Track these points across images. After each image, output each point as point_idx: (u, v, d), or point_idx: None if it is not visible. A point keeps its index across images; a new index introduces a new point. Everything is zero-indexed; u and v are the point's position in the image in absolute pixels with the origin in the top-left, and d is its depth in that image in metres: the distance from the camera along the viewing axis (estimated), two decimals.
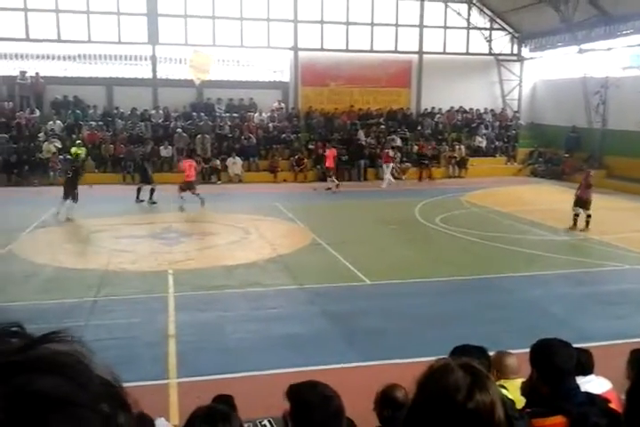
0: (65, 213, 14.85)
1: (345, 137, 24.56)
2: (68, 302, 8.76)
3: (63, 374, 0.61)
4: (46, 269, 10.67)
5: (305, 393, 2.82)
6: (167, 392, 6.03)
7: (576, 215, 14.17)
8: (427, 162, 23.84)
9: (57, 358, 0.62)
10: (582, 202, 14.14)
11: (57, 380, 0.60)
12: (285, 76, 26.03)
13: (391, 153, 22.42)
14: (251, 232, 13.89)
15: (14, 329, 0.65)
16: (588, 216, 14.05)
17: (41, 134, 22.08)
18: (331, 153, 20.88)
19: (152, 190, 17.46)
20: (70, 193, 14.89)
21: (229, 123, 24.23)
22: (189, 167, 17.05)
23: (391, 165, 22.25)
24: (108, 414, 0.62)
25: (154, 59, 24.44)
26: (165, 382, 6.27)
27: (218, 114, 24.59)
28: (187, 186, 16.76)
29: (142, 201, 17.51)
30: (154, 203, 17.42)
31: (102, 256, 11.50)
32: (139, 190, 17.59)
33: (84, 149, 22.00)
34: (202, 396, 5.96)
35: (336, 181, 20.36)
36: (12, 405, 0.56)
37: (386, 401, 3.53)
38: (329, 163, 20.72)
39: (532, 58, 27.52)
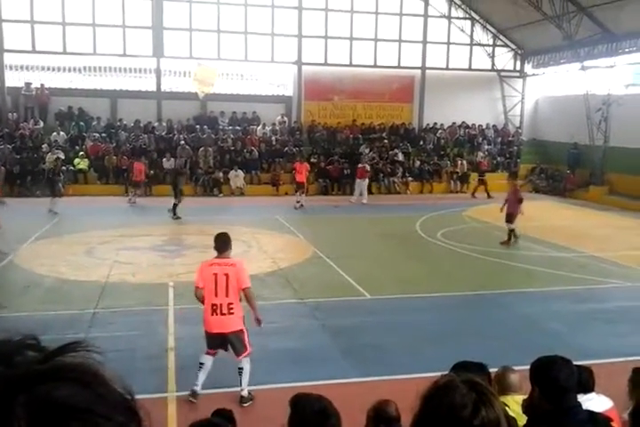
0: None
1: (347, 151, 24.65)
2: (69, 313, 8.74)
3: (82, 384, 0.62)
4: (47, 280, 10.66)
5: (305, 406, 2.82)
6: (166, 406, 6.00)
7: (511, 231, 14.12)
8: (484, 178, 23.12)
9: (76, 368, 0.64)
10: (510, 216, 14.03)
11: (76, 389, 0.61)
12: (289, 90, 26.20)
13: (367, 167, 21.67)
14: (252, 245, 13.88)
15: (30, 342, 0.67)
16: (511, 230, 14.08)
17: (44, 145, 22.18)
18: (302, 167, 20.00)
19: (174, 205, 17.12)
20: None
21: (232, 136, 24.35)
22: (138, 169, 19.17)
23: (366, 180, 21.50)
24: (124, 423, 0.64)
25: (158, 72, 24.63)
26: (164, 395, 6.24)
27: (221, 127, 24.72)
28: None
29: (179, 218, 17.07)
30: (177, 218, 17.05)
31: (103, 268, 11.49)
32: (173, 205, 17.20)
33: (86, 160, 22.12)
34: (199, 409, 5.93)
35: (303, 198, 19.49)
36: (33, 413, 0.58)
37: (380, 417, 3.52)
38: (300, 178, 19.81)
39: (534, 74, 27.69)
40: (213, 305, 5.98)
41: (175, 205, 17.10)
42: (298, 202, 19.26)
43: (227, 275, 6.02)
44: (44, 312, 8.74)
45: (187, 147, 23.17)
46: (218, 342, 6.11)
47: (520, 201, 13.98)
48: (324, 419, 2.80)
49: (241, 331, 6.14)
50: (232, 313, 6.03)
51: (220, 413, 3.55)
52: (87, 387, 0.62)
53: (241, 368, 6.14)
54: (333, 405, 2.90)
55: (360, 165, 21.48)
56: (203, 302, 6.11)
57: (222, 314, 5.98)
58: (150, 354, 7.36)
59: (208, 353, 6.18)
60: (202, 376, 6.07)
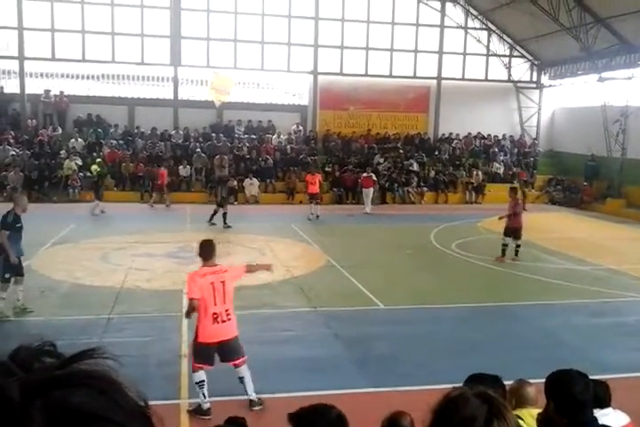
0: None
1: (362, 160, 24.67)
2: (84, 318, 8.80)
3: (99, 390, 0.63)
4: (63, 285, 10.75)
5: (311, 419, 2.77)
6: (179, 413, 6.00)
7: (505, 245, 13.56)
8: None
9: (93, 374, 0.64)
10: (512, 230, 13.54)
11: (93, 396, 0.62)
12: (304, 99, 26.32)
13: (374, 177, 21.49)
14: (265, 253, 13.91)
15: (48, 348, 0.68)
16: (518, 246, 13.58)
17: (62, 152, 22.45)
18: (315, 178, 19.59)
19: (215, 212, 17.03)
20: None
21: (248, 144, 24.48)
22: None
23: (372, 189, 21.26)
24: None
25: (175, 80, 24.87)
26: (177, 402, 6.25)
27: (237, 135, 24.87)
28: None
29: (230, 226, 16.93)
30: (228, 226, 16.93)
31: (118, 274, 11.57)
32: (223, 214, 17.02)
33: (104, 167, 22.33)
34: (212, 416, 5.93)
35: (318, 209, 19.02)
36: (50, 418, 0.58)
37: None
38: (313, 189, 19.33)
39: (551, 85, 27.59)
40: (214, 314, 5.98)
41: (225, 214, 16.93)
42: (312, 213, 18.92)
43: (223, 282, 6.04)
44: (59, 317, 8.80)
45: (202, 155, 23.33)
46: (213, 353, 6.08)
47: (518, 214, 13.62)
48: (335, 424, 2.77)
49: (237, 336, 6.21)
50: (230, 319, 6.10)
51: (233, 420, 3.54)
52: (103, 394, 0.63)
53: (241, 377, 6.12)
54: (336, 409, 2.83)
55: (365, 175, 21.41)
56: (190, 314, 6.12)
57: (223, 321, 6.01)
58: (163, 360, 7.38)
59: (205, 368, 6.07)
60: (206, 393, 6.00)
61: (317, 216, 19.00)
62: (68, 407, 0.60)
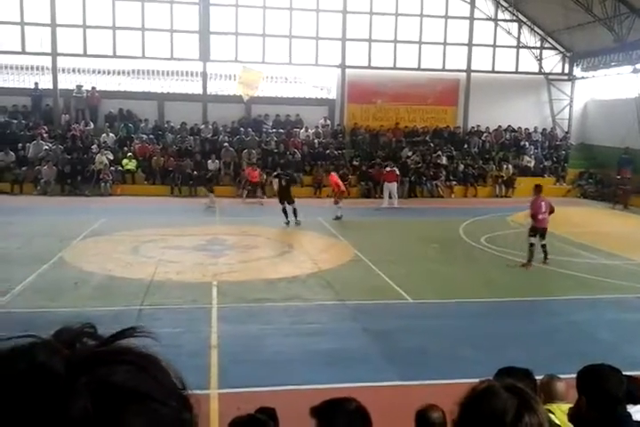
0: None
1: (390, 154, 24.55)
2: (115, 309, 8.96)
3: (141, 367, 0.64)
4: (95, 276, 10.96)
5: (332, 412, 2.79)
6: (208, 402, 6.09)
7: (532, 245, 12.41)
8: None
9: (134, 351, 0.66)
10: (542, 230, 12.50)
11: (134, 373, 0.63)
12: (332, 93, 26.27)
13: (397, 171, 21.08)
14: (293, 246, 13.97)
15: (88, 330, 0.70)
16: (544, 246, 12.55)
17: (94, 146, 22.81)
18: (336, 178, 18.45)
19: (294, 210, 16.51)
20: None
21: (275, 138, 24.55)
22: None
23: (395, 184, 20.89)
24: (179, 410, 0.66)
25: (204, 75, 25.03)
26: (207, 392, 6.34)
27: (265, 130, 24.96)
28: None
29: (299, 222, 16.51)
30: (297, 223, 16.50)
31: (149, 266, 11.74)
32: (284, 211, 16.52)
33: (134, 161, 22.66)
34: (242, 407, 6.00)
35: (340, 208, 17.72)
36: (95, 394, 0.60)
37: (422, 422, 3.49)
38: (340, 187, 18.06)
39: (583, 77, 27.04)
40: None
41: (295, 210, 16.47)
42: (338, 216, 17.75)
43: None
44: (91, 308, 8.98)
45: (230, 149, 23.48)
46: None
47: (552, 212, 12.79)
48: (360, 420, 2.79)
49: None
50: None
51: (264, 410, 3.58)
52: (144, 371, 0.64)
53: None
54: (356, 401, 2.85)
55: (389, 169, 21.12)
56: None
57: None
58: (194, 351, 7.49)
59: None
60: None
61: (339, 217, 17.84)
62: (111, 384, 0.61)
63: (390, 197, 20.76)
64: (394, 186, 20.93)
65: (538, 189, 13.03)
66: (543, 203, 12.70)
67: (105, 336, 0.69)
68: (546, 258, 12.63)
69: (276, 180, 17.67)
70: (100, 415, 0.59)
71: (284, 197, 16.69)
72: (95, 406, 0.59)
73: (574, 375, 2.97)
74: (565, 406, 3.53)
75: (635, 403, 3.60)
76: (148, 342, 0.69)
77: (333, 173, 19.23)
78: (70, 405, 0.59)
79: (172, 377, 0.68)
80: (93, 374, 0.62)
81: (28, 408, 0.58)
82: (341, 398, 2.92)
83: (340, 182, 18.36)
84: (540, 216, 12.54)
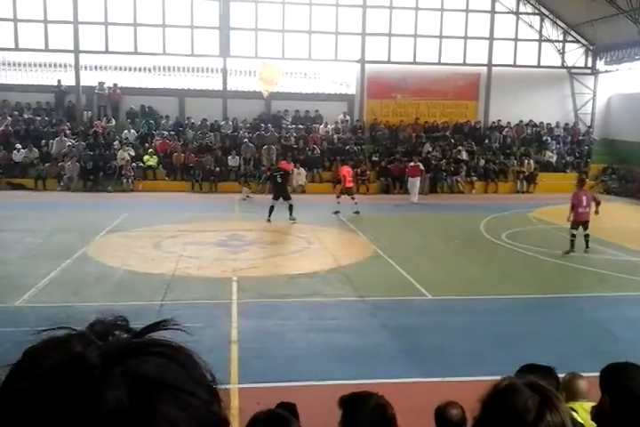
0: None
1: (409, 150, 24.44)
2: (137, 304, 9.05)
3: (172, 359, 0.66)
4: (117, 271, 11.09)
5: (356, 404, 2.84)
6: (228, 397, 6.13)
7: (574, 236, 12.92)
8: None
9: (165, 344, 0.68)
10: (584, 222, 12.92)
11: (166, 364, 0.65)
12: (351, 88, 26.19)
13: (421, 166, 21.03)
14: (313, 242, 13.99)
15: (121, 323, 0.72)
16: (587, 236, 12.99)
17: (116, 142, 23.04)
18: (346, 171, 18.19)
19: (290, 206, 16.40)
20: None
21: (295, 134, 24.57)
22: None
23: (419, 179, 20.85)
24: (209, 401, 0.67)
25: (224, 71, 25.12)
26: (227, 387, 6.38)
27: (284, 125, 24.98)
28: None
29: (293, 219, 16.35)
30: (293, 220, 16.36)
31: (170, 261, 11.84)
32: (272, 209, 16.33)
33: (155, 157, 22.84)
34: (262, 402, 6.04)
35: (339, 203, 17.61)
36: (129, 385, 0.61)
37: (440, 419, 3.48)
38: (349, 182, 17.91)
39: (607, 71, 26.61)
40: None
41: (291, 206, 16.40)
42: (356, 212, 17.54)
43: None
44: (114, 303, 9.08)
45: (250, 144, 23.55)
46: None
47: (598, 204, 13.17)
48: (379, 411, 2.82)
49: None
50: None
51: (284, 405, 3.60)
52: (175, 362, 0.66)
53: None
54: (383, 397, 2.92)
55: (413, 164, 21.13)
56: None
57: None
58: (214, 346, 7.52)
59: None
60: None
61: (357, 212, 17.62)
62: (144, 375, 0.63)
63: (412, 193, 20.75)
64: (417, 181, 20.89)
65: (581, 182, 13.50)
66: (585, 197, 13.05)
67: (137, 329, 0.71)
68: (587, 247, 13.07)
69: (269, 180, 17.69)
70: (134, 405, 0.60)
71: (280, 193, 16.55)
72: (129, 396, 0.61)
73: (597, 374, 2.94)
74: (588, 405, 3.50)
75: None
76: (181, 335, 0.71)
77: (346, 167, 19.11)
78: (106, 395, 0.60)
79: (203, 370, 0.69)
80: (127, 365, 0.63)
81: (66, 398, 0.60)
82: (366, 391, 2.97)
83: (349, 177, 18.06)
84: (581, 209, 12.89)
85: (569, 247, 12.92)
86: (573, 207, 12.95)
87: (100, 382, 0.61)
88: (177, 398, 0.63)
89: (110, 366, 0.63)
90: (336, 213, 17.59)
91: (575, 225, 12.95)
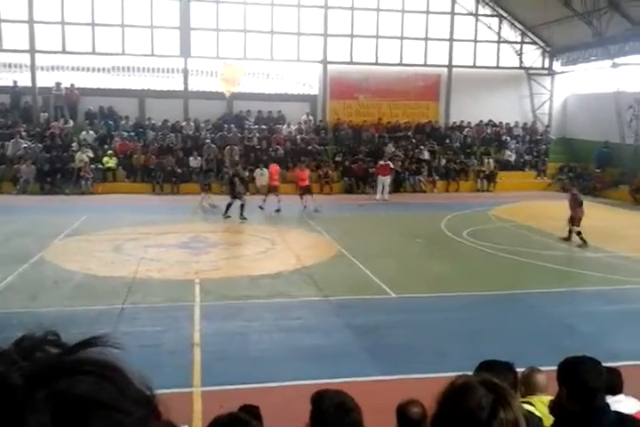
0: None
1: (372, 150, 24.58)
2: (97, 308, 8.88)
3: (103, 378, 0.62)
4: (76, 275, 10.84)
5: (325, 401, 2.85)
6: (191, 400, 6.06)
7: (570, 231, 14.35)
8: None
9: (96, 362, 0.64)
10: (575, 220, 14.24)
11: (97, 384, 0.61)
12: (314, 89, 26.22)
13: (391, 165, 21.41)
14: (277, 243, 13.94)
15: (51, 338, 0.67)
16: (579, 233, 14.06)
17: (74, 144, 22.55)
18: (304, 174, 18.99)
19: (242, 206, 16.63)
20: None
21: (258, 135, 24.46)
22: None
23: (389, 177, 21.22)
24: (144, 419, 0.64)
25: (185, 71, 24.86)
26: (189, 390, 6.30)
27: (247, 126, 24.85)
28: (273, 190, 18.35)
29: (244, 218, 16.60)
30: (227, 217, 16.67)
31: (131, 264, 11.64)
32: (240, 206, 16.61)
33: (115, 158, 22.44)
34: (225, 405, 5.98)
35: (311, 200, 18.18)
36: (55, 408, 0.58)
37: (401, 417, 3.48)
38: (303, 183, 18.71)
39: (563, 72, 27.27)
40: None
41: (243, 206, 16.65)
42: (316, 210, 18.02)
43: None
44: (72, 307, 8.89)
45: (212, 145, 23.35)
46: None
47: (581, 205, 14.37)
48: (345, 413, 2.81)
49: None
50: None
51: (247, 408, 3.56)
52: (107, 381, 0.62)
53: None
54: (353, 399, 2.92)
55: (383, 163, 21.37)
56: None
57: None
58: (176, 349, 7.44)
59: None
60: None
61: (316, 210, 18.04)
62: (73, 396, 0.59)
63: (382, 191, 20.99)
64: (387, 179, 21.14)
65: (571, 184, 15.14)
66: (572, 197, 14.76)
67: (69, 344, 0.67)
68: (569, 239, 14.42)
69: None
70: None
71: (235, 192, 17.02)
72: (56, 419, 0.57)
73: (555, 367, 2.99)
74: (547, 399, 3.56)
75: (614, 394, 3.64)
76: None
77: (307, 170, 19.64)
78: (27, 419, 0.57)
79: (138, 385, 0.66)
80: (54, 385, 0.60)
81: None
82: (334, 389, 3.00)
83: (306, 179, 18.89)
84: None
85: (583, 242, 13.93)
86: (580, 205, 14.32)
87: (23, 406, 0.57)
88: (109, 419, 0.60)
89: (35, 387, 0.59)
90: (278, 211, 18.01)
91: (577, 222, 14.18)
